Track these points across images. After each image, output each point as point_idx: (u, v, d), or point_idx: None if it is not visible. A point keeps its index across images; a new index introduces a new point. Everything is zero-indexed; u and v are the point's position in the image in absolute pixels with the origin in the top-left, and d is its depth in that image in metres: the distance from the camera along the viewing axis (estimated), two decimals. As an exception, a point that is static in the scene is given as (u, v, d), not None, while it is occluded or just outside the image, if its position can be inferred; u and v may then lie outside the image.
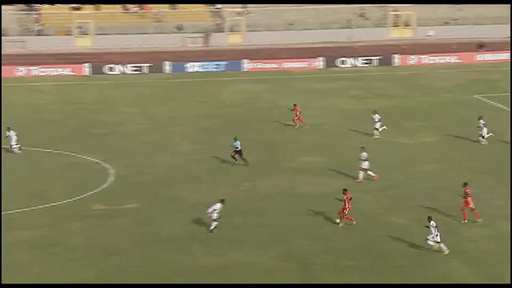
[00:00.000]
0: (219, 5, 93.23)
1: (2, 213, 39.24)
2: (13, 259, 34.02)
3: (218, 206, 36.87)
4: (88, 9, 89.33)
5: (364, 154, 44.56)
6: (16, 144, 49.48)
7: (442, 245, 34.59)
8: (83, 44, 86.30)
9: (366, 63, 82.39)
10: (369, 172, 44.57)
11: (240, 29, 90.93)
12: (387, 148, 51.83)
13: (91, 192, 42.61)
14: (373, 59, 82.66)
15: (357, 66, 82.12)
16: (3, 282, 31.92)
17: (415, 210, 39.89)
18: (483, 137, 51.73)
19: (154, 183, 44.43)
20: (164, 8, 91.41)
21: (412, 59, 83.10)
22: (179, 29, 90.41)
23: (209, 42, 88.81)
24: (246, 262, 34.06)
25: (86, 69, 75.93)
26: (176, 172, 46.36)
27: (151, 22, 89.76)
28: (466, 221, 38.13)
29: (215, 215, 36.69)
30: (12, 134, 49.39)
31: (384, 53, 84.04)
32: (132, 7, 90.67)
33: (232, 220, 38.57)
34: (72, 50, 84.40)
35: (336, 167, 47.08)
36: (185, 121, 58.95)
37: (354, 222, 37.70)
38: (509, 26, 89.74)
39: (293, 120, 56.60)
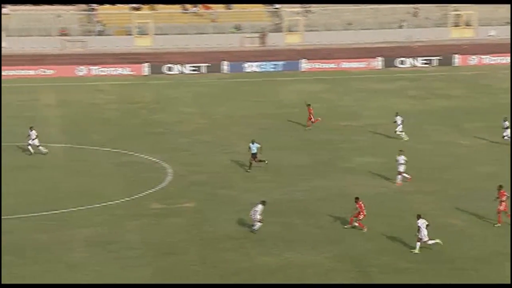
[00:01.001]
0: (277, 5, 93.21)
1: (60, 211, 39.79)
2: (71, 258, 34.46)
3: (259, 207, 36.85)
4: (147, 9, 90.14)
5: (402, 157, 44.08)
6: (32, 142, 48.89)
7: (430, 241, 34.51)
8: (142, 44, 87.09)
9: (425, 63, 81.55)
10: (404, 175, 44.07)
11: (298, 29, 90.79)
12: (445, 148, 51.23)
13: (149, 191, 42.96)
14: (433, 59, 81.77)
15: (416, 66, 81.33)
16: (63, 279, 32.36)
17: (473, 211, 39.33)
18: None
19: (211, 182, 44.59)
20: (221, 8, 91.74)
21: (473, 59, 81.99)
22: (238, 29, 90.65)
23: (266, 42, 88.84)
24: (302, 262, 33.98)
25: (145, 69, 76.62)
26: (232, 172, 46.46)
27: (209, 22, 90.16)
28: (499, 224, 37.37)
29: (258, 217, 36.60)
30: (33, 133, 48.98)
31: (444, 53, 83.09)
32: (191, 7, 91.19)
33: (288, 220, 38.52)
34: (131, 50, 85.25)
35: (393, 168, 46.63)
36: (243, 121, 59.06)
37: (365, 230, 37.02)
38: None
39: (308, 120, 56.30)
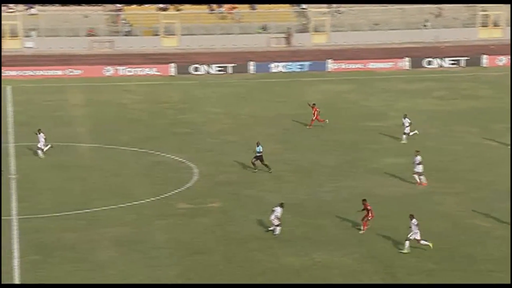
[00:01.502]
0: (304, 5, 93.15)
1: (88, 210, 40.05)
2: (99, 256, 34.68)
3: (278, 210, 36.82)
4: (174, 9, 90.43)
5: (418, 158, 43.84)
6: (42, 146, 48.68)
7: (423, 241, 34.50)
8: (169, 44, 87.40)
9: (453, 64, 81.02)
10: (421, 177, 43.76)
11: (324, 29, 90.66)
12: (472, 149, 50.93)
13: (175, 191, 43.11)
14: (461, 60, 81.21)
15: (443, 66, 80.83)
16: (90, 278, 32.56)
17: (500, 213, 39.07)
18: None
19: (237, 182, 44.66)
20: (247, 8, 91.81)
21: (501, 60, 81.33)
22: (264, 29, 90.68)
23: (292, 42, 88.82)
24: (329, 263, 33.96)
25: (171, 69, 76.87)
26: (259, 172, 46.48)
27: (236, 22, 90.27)
28: None
29: (276, 221, 36.55)
30: (41, 136, 48.75)
31: (472, 53, 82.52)
32: (218, 7, 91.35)
33: (315, 221, 38.51)
34: (158, 50, 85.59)
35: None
36: (268, 121, 59.06)
37: (363, 232, 36.94)
38: None
39: (312, 120, 56.17)
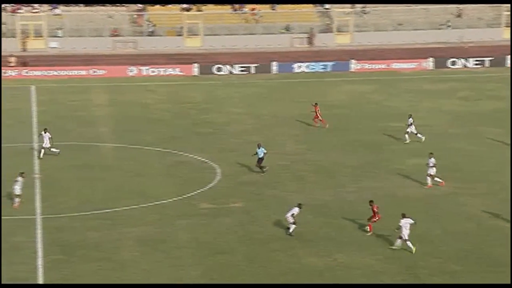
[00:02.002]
0: (327, 5, 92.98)
1: (111, 210, 40.21)
2: (122, 256, 34.80)
3: (296, 210, 36.77)
4: (197, 9, 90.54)
5: (432, 160, 43.56)
6: (47, 146, 48.64)
7: (408, 243, 34.60)
8: (192, 44, 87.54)
9: (477, 64, 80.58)
10: (436, 179, 43.57)
11: (348, 30, 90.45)
12: (496, 150, 50.61)
13: (198, 191, 43.18)
14: (485, 60, 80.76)
15: (468, 67, 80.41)
16: (113, 278, 32.68)
17: (526, 215, 38.78)
18: None
19: (260, 183, 44.65)
20: (270, 8, 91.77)
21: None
22: (287, 29, 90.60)
23: (314, 43, 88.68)
24: (351, 264, 33.88)
25: (195, 69, 76.98)
26: (281, 173, 46.46)
27: (259, 22, 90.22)
28: None
29: (291, 219, 36.50)
30: (47, 136, 48.76)
31: (497, 54, 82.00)
32: (241, 8, 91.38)
33: (337, 221, 38.44)
34: (181, 51, 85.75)
35: (442, 170, 46.25)
36: (291, 121, 58.99)
37: (370, 233, 36.84)
38: None
39: (314, 119, 56.36)
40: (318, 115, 56.38)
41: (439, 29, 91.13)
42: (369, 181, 44.74)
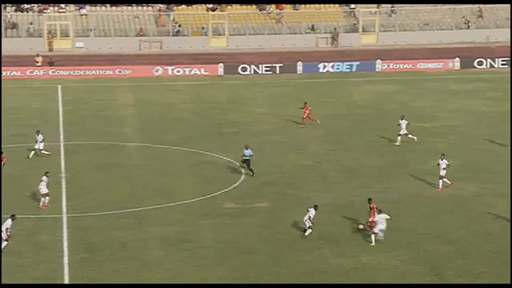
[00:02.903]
0: (353, 5, 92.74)
1: (136, 209, 40.32)
2: (147, 255, 34.87)
3: (312, 212, 36.68)
4: (223, 9, 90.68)
5: (445, 161, 43.20)
6: (37, 147, 48.36)
7: (373, 237, 35.21)
8: (217, 44, 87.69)
9: (504, 64, 79.95)
10: (445, 180, 43.19)
11: (374, 29, 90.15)
12: (524, 151, 50.22)
13: (223, 191, 43.19)
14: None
15: (494, 67, 79.83)
16: (137, 277, 32.76)
17: (554, 216, 38.40)
18: None
19: (284, 183, 44.58)
20: (290, 8, 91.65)
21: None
22: (312, 29, 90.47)
23: (338, 43, 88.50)
24: (377, 264, 33.73)
25: (220, 69, 77.10)
26: (305, 173, 46.37)
27: (284, 22, 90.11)
28: None
29: (308, 223, 36.41)
30: (39, 138, 48.56)
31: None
32: (267, 8, 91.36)
33: (362, 222, 38.23)
34: (206, 50, 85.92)
35: (468, 170, 46.01)
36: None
37: (361, 227, 36.98)
38: None
39: (302, 118, 56.31)
40: (307, 115, 56.34)
41: (467, 28, 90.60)
42: (394, 181, 44.52)
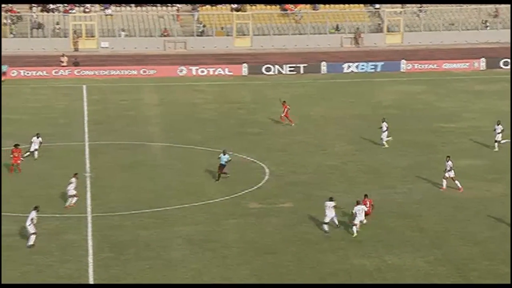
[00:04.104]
0: (377, 5, 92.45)
1: (161, 209, 40.44)
2: (171, 255, 34.96)
3: (332, 213, 37.05)
4: (247, 10, 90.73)
5: (450, 163, 42.87)
6: (33, 149, 48.03)
7: (354, 228, 36.32)
8: (241, 44, 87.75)
9: (530, 65, 79.31)
10: (457, 183, 42.73)
11: (398, 29, 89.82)
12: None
13: (247, 191, 43.20)
14: (539, 60, 79.51)
15: (521, 67, 79.18)
16: (162, 276, 32.86)
17: None
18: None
19: (308, 183, 44.52)
20: (317, 8, 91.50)
21: None
22: (337, 29, 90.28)
23: (360, 43, 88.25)
24: (401, 265, 33.60)
25: (244, 69, 77.14)
26: (329, 173, 46.28)
27: (308, 22, 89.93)
28: None
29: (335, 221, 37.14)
30: (37, 140, 48.30)
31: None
32: (289, 8, 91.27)
33: (387, 223, 38.16)
34: (231, 51, 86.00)
35: (494, 171, 45.66)
36: (340, 121, 58.73)
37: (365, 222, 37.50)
38: None
39: (281, 117, 56.53)
40: (286, 114, 56.60)
41: (492, 29, 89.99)
42: (420, 182, 44.32)
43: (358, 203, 37.06)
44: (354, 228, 36.38)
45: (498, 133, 50.43)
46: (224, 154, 44.65)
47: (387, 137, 51.30)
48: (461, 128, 56.19)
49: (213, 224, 38.46)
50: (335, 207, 36.90)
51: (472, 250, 34.95)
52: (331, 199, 37.18)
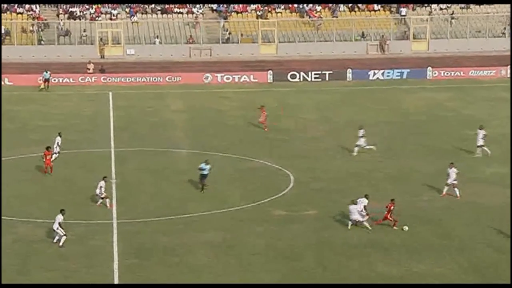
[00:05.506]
0: (403, 12, 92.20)
1: (185, 216, 40.50)
2: (195, 260, 35.01)
3: (364, 201, 38.20)
4: (273, 17, 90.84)
5: (454, 169, 42.50)
6: (56, 150, 48.52)
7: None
8: (267, 51, 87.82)
9: (557, 72, 78.62)
10: (455, 190, 42.46)
11: (424, 37, 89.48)
12: None
13: (272, 197, 43.16)
14: None
15: (547, 74, 78.54)
16: (188, 281, 32.90)
17: None
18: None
19: (333, 190, 44.40)
20: (342, 15, 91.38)
21: None
22: (363, 36, 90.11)
23: (386, 50, 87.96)
24: (425, 273, 33.42)
25: (269, 76, 77.16)
26: (354, 179, 46.13)
27: (334, 30, 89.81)
28: None
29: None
30: (57, 140, 48.81)
31: None
32: (313, 14, 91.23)
33: (413, 230, 37.95)
34: (256, 58, 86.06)
35: (523, 178, 45.29)
36: (365, 128, 58.46)
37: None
38: None
39: (259, 121, 57.08)
40: (263, 119, 57.01)
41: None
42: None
43: (352, 202, 38.23)
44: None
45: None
46: (207, 164, 43.84)
47: (368, 145, 50.97)
48: (487, 135, 55.72)
49: (238, 230, 38.47)
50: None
51: (498, 258, 34.66)
52: (353, 202, 38.26)
